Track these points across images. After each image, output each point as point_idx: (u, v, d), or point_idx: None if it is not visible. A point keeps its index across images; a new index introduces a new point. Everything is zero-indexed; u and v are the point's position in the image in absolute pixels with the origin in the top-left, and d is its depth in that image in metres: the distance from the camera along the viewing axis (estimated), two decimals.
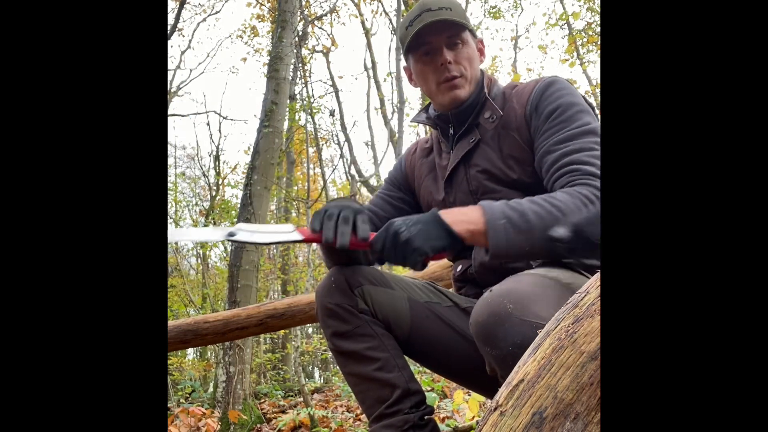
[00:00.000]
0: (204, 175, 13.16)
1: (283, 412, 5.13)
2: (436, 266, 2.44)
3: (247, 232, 1.15)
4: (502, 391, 0.60)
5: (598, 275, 0.63)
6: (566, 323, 0.61)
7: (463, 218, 1.05)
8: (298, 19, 7.31)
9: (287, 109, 5.86)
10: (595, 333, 0.59)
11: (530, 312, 0.94)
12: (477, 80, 1.32)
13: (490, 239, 1.02)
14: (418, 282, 1.35)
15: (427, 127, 1.48)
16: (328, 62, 10.66)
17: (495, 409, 0.59)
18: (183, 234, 1.47)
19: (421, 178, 1.44)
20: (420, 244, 1.02)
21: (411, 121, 1.59)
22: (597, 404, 0.56)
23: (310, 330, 12.50)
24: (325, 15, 10.41)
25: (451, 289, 1.42)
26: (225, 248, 10.79)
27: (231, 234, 1.15)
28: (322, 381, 10.89)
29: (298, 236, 1.14)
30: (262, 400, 6.28)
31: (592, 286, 0.63)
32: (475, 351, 1.20)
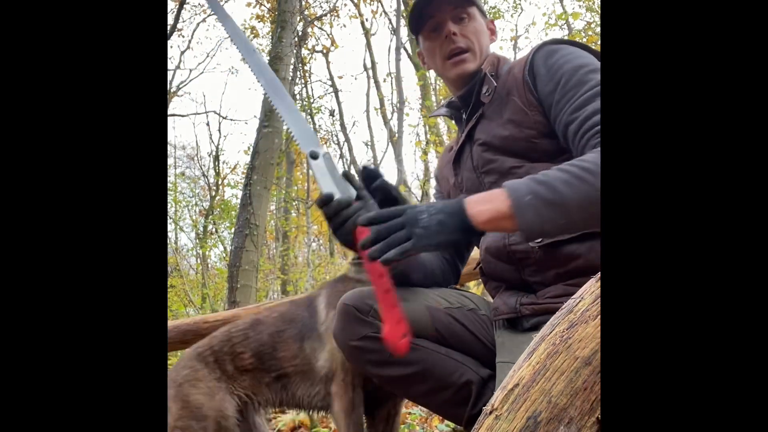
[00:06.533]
0: (204, 175, 13.17)
1: (283, 412, 5.12)
2: None
3: (322, 168, 1.10)
4: (498, 395, 0.61)
5: (592, 281, 0.64)
6: (561, 328, 0.61)
7: (485, 206, 0.97)
8: (298, 19, 7.31)
9: None
10: (589, 338, 0.59)
11: None
12: (485, 56, 1.32)
13: (519, 220, 0.94)
14: (435, 290, 1.30)
15: None
16: (327, 62, 10.66)
17: (490, 412, 0.60)
18: (282, 101, 1.17)
19: (442, 169, 1.44)
20: (433, 239, 0.95)
21: (430, 116, 1.59)
22: (590, 409, 0.57)
23: None
24: (325, 15, 10.41)
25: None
26: (224, 248, 10.79)
27: (314, 155, 1.11)
28: None
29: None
30: None
31: (586, 291, 0.63)
32: (492, 358, 1.19)
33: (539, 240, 1.13)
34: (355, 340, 1.17)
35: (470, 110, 1.31)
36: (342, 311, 1.20)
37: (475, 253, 1.46)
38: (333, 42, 10.51)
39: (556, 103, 1.14)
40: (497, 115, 1.24)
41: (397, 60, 7.56)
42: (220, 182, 12.19)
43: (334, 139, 10.95)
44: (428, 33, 1.33)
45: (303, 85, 9.04)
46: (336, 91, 10.27)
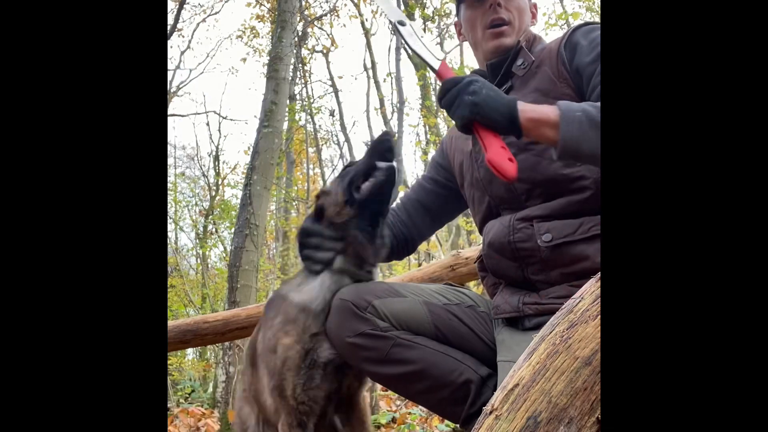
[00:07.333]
0: (204, 175, 13.16)
1: None
2: (436, 266, 2.45)
3: (409, 30, 1.22)
4: (498, 395, 0.61)
5: (591, 281, 0.64)
6: (561, 329, 0.61)
7: (534, 108, 1.01)
8: (298, 19, 7.30)
9: (287, 109, 5.86)
10: (589, 338, 0.59)
11: None
12: (523, 33, 1.32)
13: (562, 129, 0.96)
14: (432, 286, 1.30)
15: None
16: (327, 62, 10.65)
17: (490, 412, 0.60)
18: None
19: (455, 138, 1.43)
20: (480, 102, 0.99)
21: None
22: (590, 409, 0.57)
23: None
24: (325, 15, 10.40)
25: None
26: (224, 248, 10.79)
27: (401, 23, 1.23)
28: None
29: (435, 65, 1.18)
30: None
31: (586, 292, 0.63)
32: (492, 356, 1.18)
33: (549, 239, 1.13)
34: (352, 336, 1.14)
35: (499, 80, 1.31)
36: (338, 307, 1.17)
37: (476, 250, 1.45)
38: (333, 42, 10.50)
39: (596, 73, 1.14)
40: (525, 86, 1.24)
41: (397, 60, 7.55)
42: (220, 182, 12.19)
43: (334, 139, 10.93)
44: (472, 2, 1.34)
45: (303, 85, 9.04)
46: (336, 91, 10.27)
